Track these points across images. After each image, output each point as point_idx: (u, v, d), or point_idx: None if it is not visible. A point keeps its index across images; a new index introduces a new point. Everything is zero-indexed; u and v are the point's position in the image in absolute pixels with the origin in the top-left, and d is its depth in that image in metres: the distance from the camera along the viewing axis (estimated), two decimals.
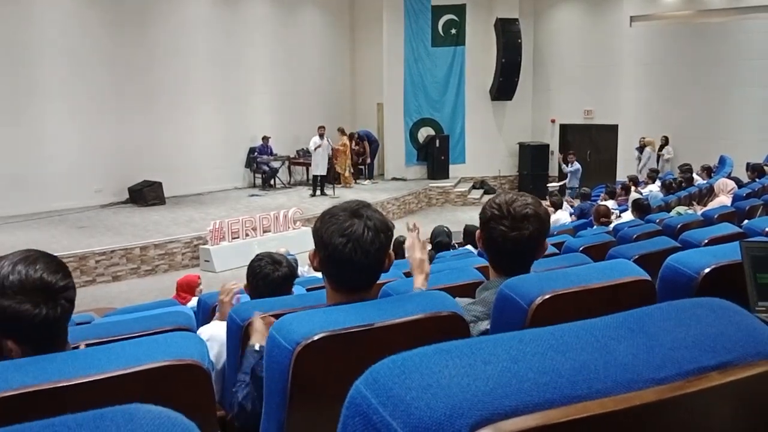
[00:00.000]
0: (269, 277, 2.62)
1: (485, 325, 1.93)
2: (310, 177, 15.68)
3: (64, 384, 1.24)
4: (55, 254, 1.56)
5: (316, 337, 1.45)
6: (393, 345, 1.56)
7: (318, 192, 15.02)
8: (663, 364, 0.63)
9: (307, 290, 3.32)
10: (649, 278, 1.88)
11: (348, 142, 16.46)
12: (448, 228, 8.29)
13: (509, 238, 1.88)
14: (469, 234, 7.86)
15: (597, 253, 3.85)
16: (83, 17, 13.09)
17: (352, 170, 17.30)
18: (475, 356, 0.61)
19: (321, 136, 14.89)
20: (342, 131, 16.53)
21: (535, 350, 0.62)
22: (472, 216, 15.45)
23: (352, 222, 1.64)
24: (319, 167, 14.93)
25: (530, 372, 0.59)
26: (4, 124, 12.04)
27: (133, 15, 13.84)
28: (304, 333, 1.46)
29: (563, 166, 15.81)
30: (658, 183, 11.71)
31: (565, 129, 18.33)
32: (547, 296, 1.71)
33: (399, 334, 1.55)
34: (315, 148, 14.76)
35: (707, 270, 1.94)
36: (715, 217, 5.66)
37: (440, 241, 7.52)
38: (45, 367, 1.27)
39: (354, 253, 1.63)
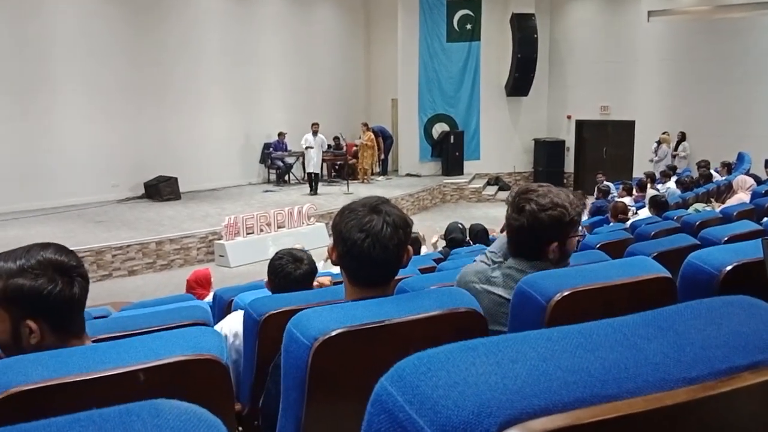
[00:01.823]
0: (291, 275, 2.62)
1: (497, 289, 2.00)
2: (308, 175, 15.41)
3: (84, 378, 1.24)
4: (72, 249, 1.62)
5: (333, 333, 1.45)
6: (410, 341, 1.56)
7: (313, 191, 14.83)
8: (694, 363, 0.62)
9: None
10: (669, 275, 1.86)
11: (374, 137, 16.47)
12: (462, 224, 8.27)
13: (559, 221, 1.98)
14: (475, 233, 7.84)
15: (614, 250, 3.82)
16: (99, 13, 13.18)
17: (379, 165, 17.34)
18: (502, 354, 0.60)
19: (314, 133, 14.82)
20: (366, 126, 16.54)
21: (563, 348, 0.61)
22: (486, 212, 15.42)
23: (371, 217, 1.65)
24: (311, 164, 14.85)
25: (559, 370, 0.58)
26: (22, 119, 12.17)
27: (148, 10, 13.92)
28: (321, 328, 1.46)
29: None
30: (675, 179, 11.62)
31: (581, 125, 18.20)
32: (566, 293, 1.69)
33: (416, 330, 1.55)
34: (306, 147, 14.71)
35: (729, 267, 1.92)
36: (734, 214, 5.60)
37: (454, 238, 7.51)
38: (64, 361, 1.27)
39: (372, 248, 1.63)
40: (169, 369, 1.32)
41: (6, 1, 11.98)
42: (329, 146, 16.18)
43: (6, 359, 1.30)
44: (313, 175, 14.93)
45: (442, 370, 0.58)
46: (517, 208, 1.99)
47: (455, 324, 1.60)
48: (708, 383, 0.61)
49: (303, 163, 16.20)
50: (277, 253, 2.75)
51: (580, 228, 2.17)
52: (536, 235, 1.98)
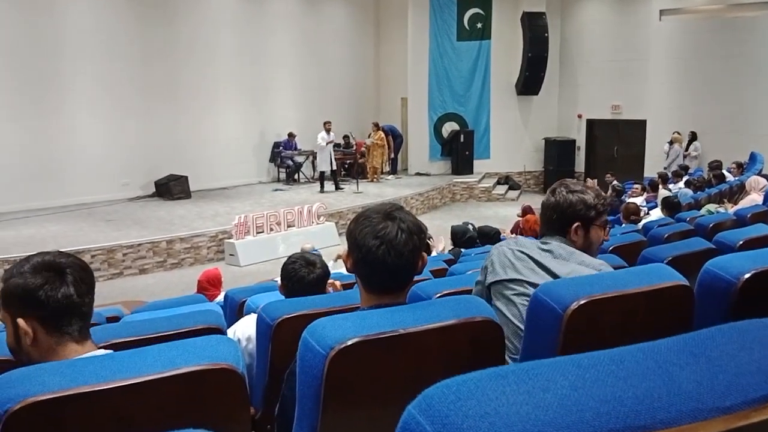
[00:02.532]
0: (304, 279, 2.62)
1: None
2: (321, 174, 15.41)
3: (101, 387, 1.24)
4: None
5: (350, 342, 1.44)
6: (426, 351, 1.56)
7: (333, 188, 14.94)
8: (728, 391, 0.61)
9: None
10: (687, 283, 1.84)
11: (385, 136, 16.50)
12: (473, 224, 8.25)
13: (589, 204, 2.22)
14: (489, 236, 7.81)
15: (628, 253, 3.79)
16: (111, 11, 13.22)
17: (389, 164, 17.37)
18: (533, 382, 0.58)
19: (328, 131, 14.83)
20: (376, 125, 16.57)
21: (595, 377, 0.59)
22: (496, 212, 15.38)
23: (385, 224, 1.65)
24: (325, 163, 14.87)
25: (591, 400, 0.57)
26: (34, 117, 12.23)
27: (159, 9, 13.95)
28: (337, 338, 1.45)
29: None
30: (687, 178, 11.55)
31: (592, 124, 18.12)
32: (583, 301, 1.68)
33: (432, 339, 1.54)
34: (327, 143, 14.71)
35: (747, 275, 1.90)
36: (748, 216, 5.54)
37: (461, 238, 7.48)
38: (81, 370, 1.27)
39: (387, 254, 1.63)
40: (185, 378, 1.32)
41: None
42: (338, 145, 16.22)
43: (22, 369, 1.30)
44: (330, 172, 14.99)
45: (472, 399, 0.57)
46: (552, 191, 2.26)
47: (471, 333, 1.59)
48: (742, 412, 0.59)
49: (313, 163, 16.18)
50: (290, 257, 2.74)
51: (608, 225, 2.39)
52: (561, 212, 2.19)
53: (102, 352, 1.61)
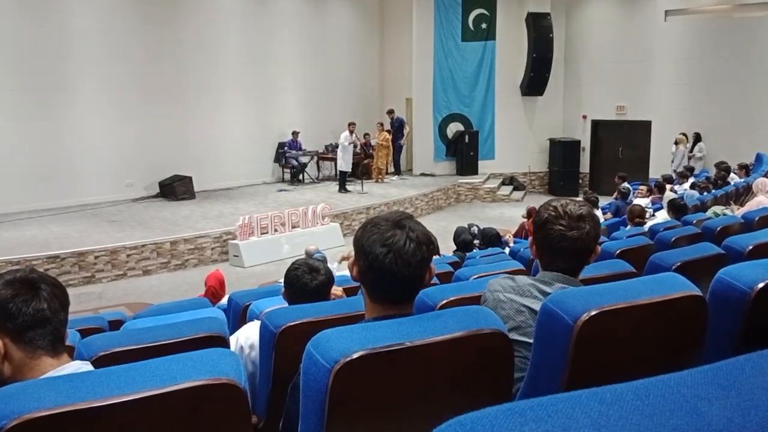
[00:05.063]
0: (307, 287, 2.60)
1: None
2: (337, 173, 15.60)
3: (99, 404, 1.21)
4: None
5: (355, 356, 1.41)
6: (435, 363, 1.52)
7: (343, 189, 15.04)
8: (760, 429, 0.57)
9: None
10: (700, 293, 1.80)
11: (389, 137, 16.52)
12: (477, 226, 8.21)
13: (568, 237, 1.94)
14: (489, 237, 7.78)
15: (635, 257, 3.74)
16: (116, 13, 13.22)
17: (392, 166, 17.42)
18: (552, 420, 0.55)
19: (352, 132, 14.91)
20: (381, 126, 16.57)
21: (618, 414, 0.56)
22: (501, 213, 15.34)
23: (393, 232, 1.60)
24: (347, 163, 14.94)
25: None
26: (39, 118, 12.23)
27: (164, 10, 13.95)
28: (342, 350, 1.41)
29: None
30: (692, 180, 11.49)
31: (596, 125, 18.05)
32: (594, 312, 1.64)
33: (440, 352, 1.50)
34: (348, 144, 14.79)
35: (761, 284, 1.86)
36: (756, 219, 5.49)
37: (464, 240, 7.45)
38: (78, 386, 1.23)
39: (394, 263, 1.59)
40: (186, 394, 1.28)
41: (25, 0, 12.05)
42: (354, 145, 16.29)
43: (16, 384, 1.26)
44: (346, 173, 15.13)
45: None
46: (542, 223, 2.03)
47: (480, 346, 1.55)
48: None
49: (317, 163, 16.28)
50: (293, 263, 2.71)
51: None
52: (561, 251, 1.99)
53: (78, 364, 1.59)
